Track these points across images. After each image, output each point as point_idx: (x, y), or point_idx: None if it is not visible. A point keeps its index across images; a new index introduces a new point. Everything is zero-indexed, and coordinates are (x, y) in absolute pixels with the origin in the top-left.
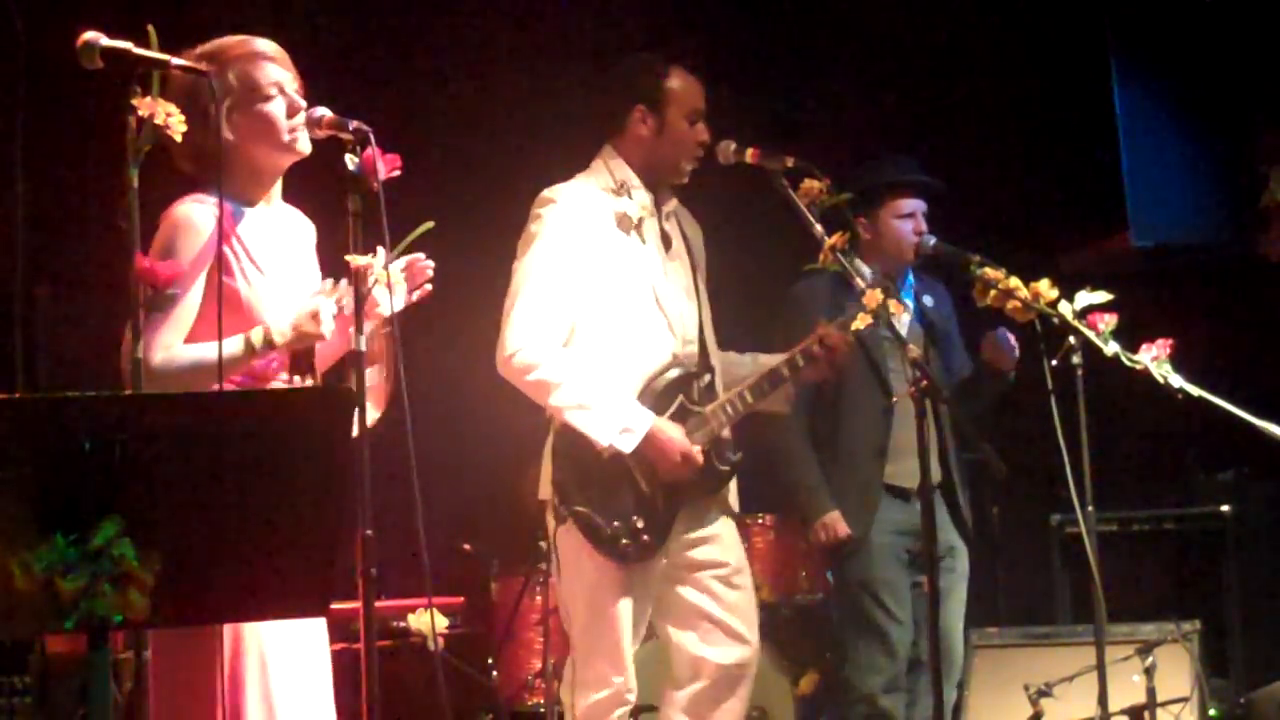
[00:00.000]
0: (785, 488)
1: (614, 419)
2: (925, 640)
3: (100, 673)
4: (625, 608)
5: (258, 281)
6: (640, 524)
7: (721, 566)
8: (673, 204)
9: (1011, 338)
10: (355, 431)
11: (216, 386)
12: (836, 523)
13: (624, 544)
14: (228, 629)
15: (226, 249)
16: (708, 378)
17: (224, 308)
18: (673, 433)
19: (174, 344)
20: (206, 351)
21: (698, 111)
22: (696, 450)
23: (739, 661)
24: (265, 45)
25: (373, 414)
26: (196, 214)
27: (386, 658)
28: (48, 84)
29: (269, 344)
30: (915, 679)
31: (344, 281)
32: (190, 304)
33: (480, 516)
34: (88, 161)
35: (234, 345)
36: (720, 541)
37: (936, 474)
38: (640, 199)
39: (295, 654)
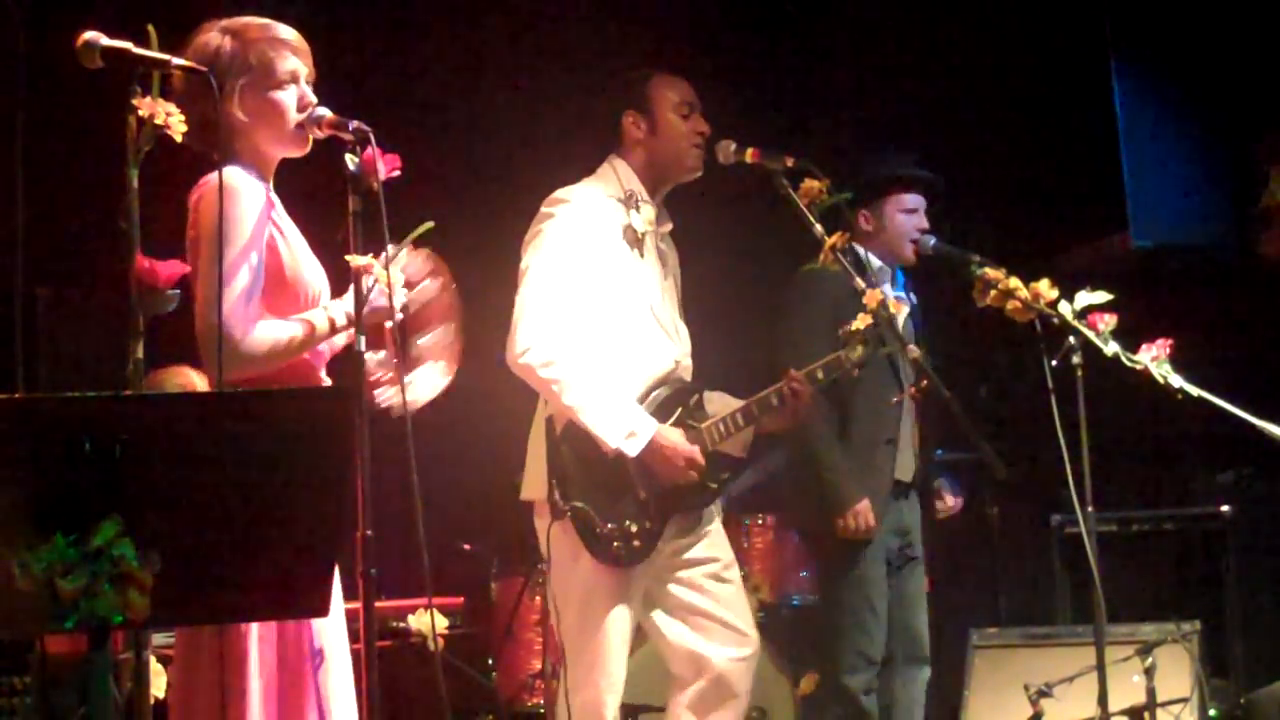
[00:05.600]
0: (809, 474)
1: (621, 423)
2: (894, 638)
3: (100, 673)
4: (617, 613)
5: (300, 254)
6: (633, 529)
7: (712, 562)
8: (669, 227)
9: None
10: (404, 409)
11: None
12: (867, 512)
13: (616, 546)
14: (270, 627)
15: (272, 219)
16: (696, 396)
17: (277, 280)
18: (675, 437)
19: (260, 321)
20: (291, 330)
21: (687, 104)
22: (698, 451)
23: (740, 657)
24: (288, 33)
25: (442, 379)
26: (240, 181)
27: (386, 658)
28: (48, 84)
29: (349, 320)
30: (889, 676)
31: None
32: (261, 276)
33: (480, 516)
34: (88, 161)
35: (317, 321)
36: (710, 538)
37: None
38: (647, 213)
39: (340, 649)
